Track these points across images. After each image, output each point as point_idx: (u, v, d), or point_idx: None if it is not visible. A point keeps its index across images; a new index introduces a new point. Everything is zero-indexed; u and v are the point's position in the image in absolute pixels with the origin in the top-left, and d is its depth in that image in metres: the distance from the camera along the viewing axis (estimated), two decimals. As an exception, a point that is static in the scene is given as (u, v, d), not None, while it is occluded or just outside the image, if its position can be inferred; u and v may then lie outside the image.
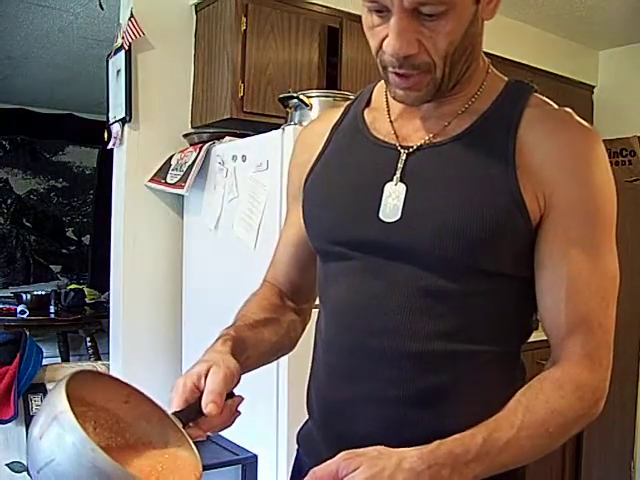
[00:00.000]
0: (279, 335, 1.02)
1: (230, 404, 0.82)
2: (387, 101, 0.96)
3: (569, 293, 0.84)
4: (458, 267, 0.84)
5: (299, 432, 1.07)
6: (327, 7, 2.65)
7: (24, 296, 4.35)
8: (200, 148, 2.40)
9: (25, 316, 4.13)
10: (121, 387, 0.78)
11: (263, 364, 0.98)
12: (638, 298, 3.07)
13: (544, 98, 0.91)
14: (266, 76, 2.48)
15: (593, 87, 3.73)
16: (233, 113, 2.42)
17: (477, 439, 0.75)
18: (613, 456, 3.24)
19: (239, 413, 0.81)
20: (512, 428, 0.77)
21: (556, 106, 0.90)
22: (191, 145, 2.52)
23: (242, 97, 2.43)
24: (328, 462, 0.74)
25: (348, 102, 1.05)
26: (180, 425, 0.76)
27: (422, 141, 0.89)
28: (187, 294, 2.58)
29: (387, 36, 0.81)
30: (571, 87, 3.57)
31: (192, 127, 2.65)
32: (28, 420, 2.19)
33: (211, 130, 2.49)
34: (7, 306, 4.31)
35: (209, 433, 0.80)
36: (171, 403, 0.78)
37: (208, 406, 0.77)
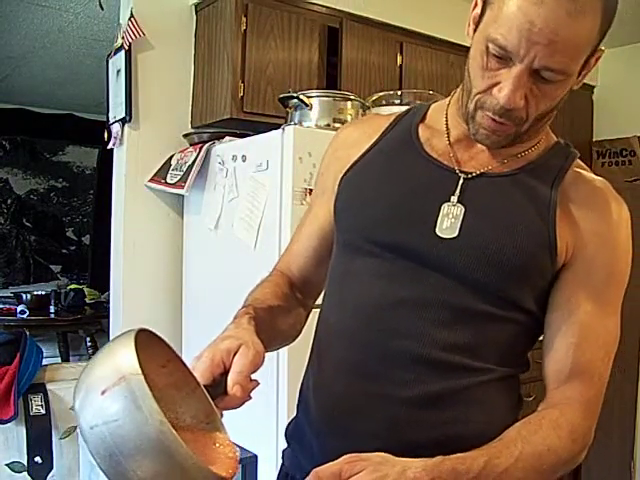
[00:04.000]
0: (288, 325, 1.03)
1: (249, 387, 0.81)
2: (447, 123, 0.99)
3: (579, 340, 0.90)
4: (488, 291, 0.89)
5: (287, 430, 1.06)
6: (327, 7, 2.65)
7: (24, 296, 4.35)
8: (200, 148, 2.40)
9: (25, 316, 4.12)
10: (164, 350, 0.75)
11: (269, 351, 0.97)
12: (638, 299, 3.07)
13: (584, 165, 0.99)
14: (266, 76, 2.48)
15: (593, 87, 3.73)
16: (233, 113, 2.42)
17: (479, 461, 0.78)
18: (613, 456, 3.25)
19: (250, 398, 0.81)
20: (511, 457, 0.81)
21: (593, 175, 0.98)
22: (191, 145, 2.52)
23: (242, 97, 2.43)
24: (331, 463, 0.74)
25: (398, 113, 1.06)
26: (212, 402, 0.75)
27: (480, 170, 0.94)
28: (187, 294, 2.58)
29: (499, 83, 0.84)
30: (571, 87, 3.56)
31: (192, 127, 2.65)
32: (28, 420, 2.19)
33: (211, 130, 2.49)
34: (7, 306, 4.30)
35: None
36: (194, 372, 0.77)
37: (234, 387, 0.76)
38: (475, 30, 0.88)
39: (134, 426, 0.61)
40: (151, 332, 0.73)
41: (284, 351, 1.94)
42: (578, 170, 0.96)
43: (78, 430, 0.66)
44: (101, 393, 0.63)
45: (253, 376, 0.80)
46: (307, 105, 2.17)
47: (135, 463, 0.62)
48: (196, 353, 0.86)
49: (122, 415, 0.62)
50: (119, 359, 0.65)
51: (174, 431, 0.62)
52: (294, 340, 1.07)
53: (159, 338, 0.75)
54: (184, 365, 0.77)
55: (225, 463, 0.72)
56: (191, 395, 0.76)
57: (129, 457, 0.62)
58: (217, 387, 0.77)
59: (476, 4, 0.88)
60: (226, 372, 0.78)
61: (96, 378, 0.65)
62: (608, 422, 3.11)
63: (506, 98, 0.83)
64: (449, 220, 0.91)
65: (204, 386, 0.75)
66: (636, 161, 3.55)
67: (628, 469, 3.26)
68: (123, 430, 0.62)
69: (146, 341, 0.71)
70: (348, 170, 1.01)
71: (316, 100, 2.19)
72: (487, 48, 0.83)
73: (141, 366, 0.63)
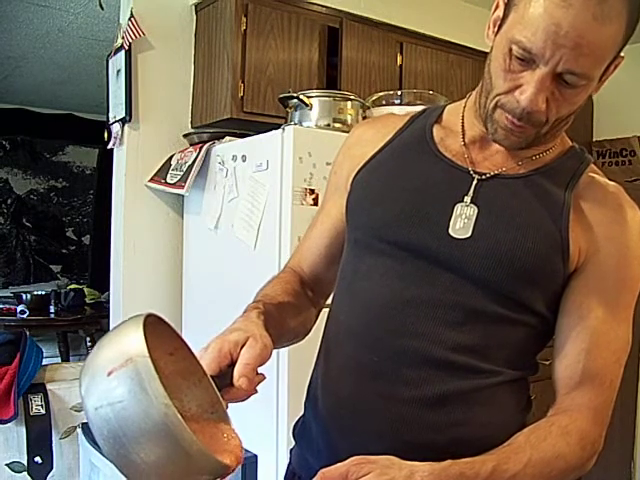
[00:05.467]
0: (297, 322, 1.02)
1: (256, 381, 0.81)
2: (463, 124, 0.98)
3: (591, 346, 0.89)
4: (499, 293, 0.88)
5: (294, 428, 1.06)
6: (327, 7, 2.65)
7: (24, 296, 4.35)
8: (200, 148, 2.40)
9: (25, 316, 4.12)
10: (172, 338, 0.74)
11: (277, 347, 0.96)
12: (638, 299, 3.07)
13: (598, 170, 0.98)
14: (266, 76, 2.49)
15: (593, 87, 3.73)
16: (233, 113, 2.42)
17: (487, 466, 0.78)
18: (613, 456, 3.24)
19: (257, 391, 0.80)
20: (520, 463, 0.80)
21: (607, 179, 0.97)
22: (191, 145, 2.52)
23: (242, 97, 2.43)
24: (338, 465, 0.74)
25: (413, 113, 1.06)
26: (219, 392, 0.74)
27: (495, 171, 0.94)
28: (187, 294, 2.58)
29: (521, 85, 0.83)
30: (571, 87, 3.56)
31: (192, 127, 2.65)
32: (28, 420, 2.19)
33: (211, 130, 2.50)
34: (7, 306, 4.30)
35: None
36: (201, 362, 0.77)
37: (241, 379, 0.76)
38: (496, 33, 0.87)
39: (139, 408, 0.61)
40: (160, 319, 0.72)
41: (285, 351, 1.94)
42: (592, 174, 0.95)
43: (83, 412, 0.66)
44: (107, 374, 0.62)
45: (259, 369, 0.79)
46: (307, 105, 2.18)
47: (139, 446, 0.61)
48: (196, 352, 0.86)
49: (127, 397, 0.61)
50: (127, 341, 0.65)
51: (179, 415, 0.61)
52: (304, 338, 1.07)
53: (168, 325, 0.74)
54: (192, 354, 0.76)
55: (231, 453, 0.72)
56: (197, 385, 0.75)
57: (133, 440, 0.61)
58: (223, 378, 0.76)
59: (497, 6, 0.88)
60: (233, 364, 0.77)
61: (103, 359, 0.64)
62: (608, 422, 3.11)
63: (528, 101, 0.82)
64: (462, 221, 0.90)
65: (212, 377, 0.75)
66: (636, 161, 3.55)
67: (628, 469, 3.26)
68: (128, 412, 0.61)
69: (155, 328, 0.70)
70: (361, 168, 1.01)
71: (316, 100, 2.19)
72: (510, 50, 0.83)
73: (149, 350, 0.63)
